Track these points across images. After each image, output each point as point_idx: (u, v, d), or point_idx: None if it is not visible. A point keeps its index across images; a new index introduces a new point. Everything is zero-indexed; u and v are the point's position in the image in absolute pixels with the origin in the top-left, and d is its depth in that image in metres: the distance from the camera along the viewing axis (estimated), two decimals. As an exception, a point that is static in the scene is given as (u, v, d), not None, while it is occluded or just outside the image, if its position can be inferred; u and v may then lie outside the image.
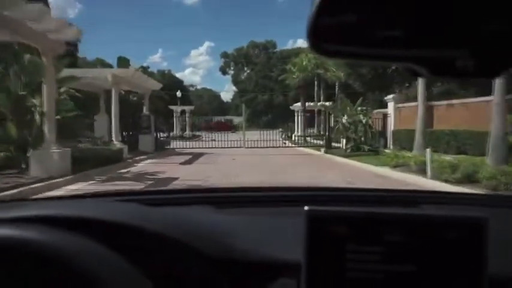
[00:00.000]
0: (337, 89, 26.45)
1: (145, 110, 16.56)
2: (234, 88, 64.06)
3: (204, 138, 21.47)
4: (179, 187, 2.11)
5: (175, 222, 0.76)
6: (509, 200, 1.26)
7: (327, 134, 17.36)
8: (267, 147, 18.79)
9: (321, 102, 27.06)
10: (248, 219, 0.92)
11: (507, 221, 0.93)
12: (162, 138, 19.32)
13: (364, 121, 14.02)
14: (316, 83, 28.55)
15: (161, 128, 26.75)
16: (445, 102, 14.27)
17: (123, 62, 15.43)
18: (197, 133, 31.98)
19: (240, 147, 18.77)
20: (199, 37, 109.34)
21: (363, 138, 14.07)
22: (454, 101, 14.15)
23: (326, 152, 16.04)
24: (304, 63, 25.06)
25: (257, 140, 19.14)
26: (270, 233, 0.83)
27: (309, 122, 26.88)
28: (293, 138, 25.03)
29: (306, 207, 0.61)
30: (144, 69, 41.91)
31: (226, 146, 18.62)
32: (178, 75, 63.90)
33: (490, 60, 0.36)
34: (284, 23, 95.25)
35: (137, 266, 0.62)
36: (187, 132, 31.95)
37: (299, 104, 28.23)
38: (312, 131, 26.66)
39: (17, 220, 0.65)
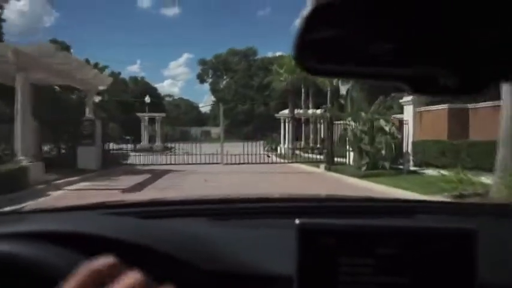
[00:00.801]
0: (329, 94, 22.98)
1: (88, 113, 12.44)
2: (212, 98, 60.26)
3: (177, 152, 17.60)
4: (173, 198, 1.27)
5: (167, 235, 0.76)
6: (498, 209, 1.30)
7: (328, 145, 13.69)
8: (250, 163, 15.05)
9: (311, 110, 23.50)
10: (240, 231, 0.91)
11: (496, 230, 0.93)
12: (115, 151, 15.17)
13: (387, 129, 10.34)
14: (303, 90, 25.18)
15: (125, 139, 22.74)
16: (489, 103, 10.77)
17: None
18: (170, 145, 27.81)
19: (217, 163, 15.00)
20: (178, 49, 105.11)
21: (383, 152, 10.38)
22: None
23: (328, 169, 12.41)
24: (293, 63, 21.39)
25: (238, 155, 15.41)
26: (261, 245, 0.83)
27: (294, 133, 23.30)
28: (279, 151, 21.44)
29: (297, 220, 0.60)
30: (115, 75, 37.85)
31: (200, 162, 14.82)
32: (157, 86, 60.16)
33: (471, 77, 0.37)
34: (265, 34, 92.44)
35: None
36: (158, 144, 27.73)
37: (286, 111, 24.57)
38: (298, 143, 23.06)
39: (2, 235, 0.64)
